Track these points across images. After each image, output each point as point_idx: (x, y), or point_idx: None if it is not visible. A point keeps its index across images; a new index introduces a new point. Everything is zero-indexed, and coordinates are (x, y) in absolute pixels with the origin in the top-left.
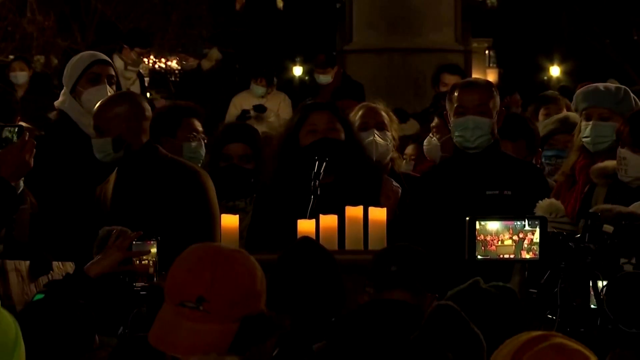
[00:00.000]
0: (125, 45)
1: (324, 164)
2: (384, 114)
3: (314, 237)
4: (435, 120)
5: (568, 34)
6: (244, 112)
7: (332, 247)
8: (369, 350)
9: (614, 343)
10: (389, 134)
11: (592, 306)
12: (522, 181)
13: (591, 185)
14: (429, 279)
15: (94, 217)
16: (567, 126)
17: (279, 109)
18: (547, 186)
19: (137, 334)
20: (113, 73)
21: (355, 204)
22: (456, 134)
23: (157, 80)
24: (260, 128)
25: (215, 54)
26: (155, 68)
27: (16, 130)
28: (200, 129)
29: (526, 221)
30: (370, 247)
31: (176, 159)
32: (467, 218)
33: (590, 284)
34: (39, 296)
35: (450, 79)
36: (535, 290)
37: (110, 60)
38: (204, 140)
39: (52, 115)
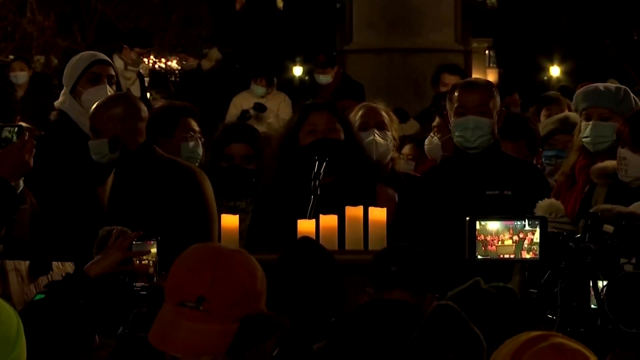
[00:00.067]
0: (125, 45)
1: (324, 164)
2: (384, 113)
3: (314, 237)
4: (437, 119)
5: (568, 34)
6: (244, 113)
7: (332, 247)
8: (369, 350)
9: (614, 343)
10: (389, 133)
11: (593, 306)
12: (523, 181)
13: (591, 185)
14: (429, 279)
15: (94, 217)
16: (567, 126)
17: (279, 109)
18: (547, 186)
19: (137, 334)
20: (113, 73)
21: (355, 204)
22: (456, 134)
23: (157, 80)
24: (260, 128)
25: (215, 54)
26: (155, 68)
27: (16, 130)
28: (197, 128)
29: (526, 221)
30: (370, 247)
31: (173, 158)
32: (467, 218)
33: (591, 284)
34: (40, 296)
35: (450, 79)
36: (536, 290)
37: (110, 60)
38: (200, 140)
39: (52, 115)
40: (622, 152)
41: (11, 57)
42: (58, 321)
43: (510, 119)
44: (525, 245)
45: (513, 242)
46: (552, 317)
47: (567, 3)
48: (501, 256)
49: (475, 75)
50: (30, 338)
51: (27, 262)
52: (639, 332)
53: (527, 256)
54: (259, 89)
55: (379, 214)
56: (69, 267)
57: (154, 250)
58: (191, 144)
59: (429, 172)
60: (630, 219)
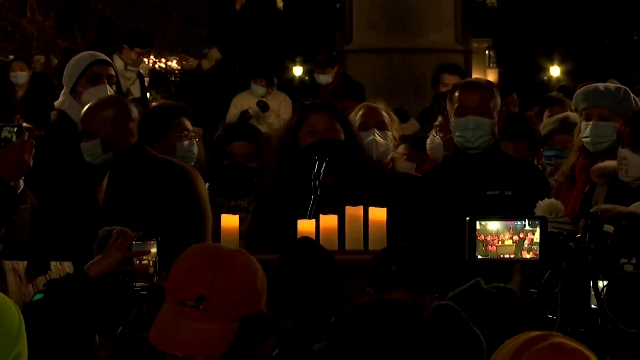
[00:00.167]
0: (125, 45)
1: (324, 164)
2: (384, 113)
3: (314, 237)
4: (439, 119)
5: (568, 34)
6: (244, 113)
7: (332, 247)
8: (369, 351)
9: (614, 343)
10: (389, 133)
11: (593, 306)
12: (523, 181)
13: (591, 185)
14: (429, 279)
15: (93, 217)
16: (567, 126)
17: (280, 109)
18: (547, 186)
19: (137, 334)
20: (113, 73)
21: (355, 204)
22: (457, 134)
23: (157, 80)
24: (261, 129)
25: (215, 54)
26: (155, 68)
27: (15, 130)
28: (190, 127)
29: (526, 221)
30: (370, 247)
31: (165, 158)
32: (468, 218)
33: (591, 284)
34: (38, 296)
35: (450, 79)
36: (536, 290)
37: (110, 60)
38: (195, 139)
39: (52, 115)
40: (623, 152)
41: (11, 57)
42: (58, 321)
43: (511, 119)
44: (526, 245)
45: (513, 242)
46: (552, 317)
47: (567, 3)
48: (501, 256)
49: (475, 75)
50: (30, 338)
51: (25, 262)
52: (639, 332)
53: (527, 256)
54: (259, 89)
55: (379, 214)
56: (68, 267)
57: (154, 250)
58: (185, 143)
59: (429, 172)
60: (630, 219)
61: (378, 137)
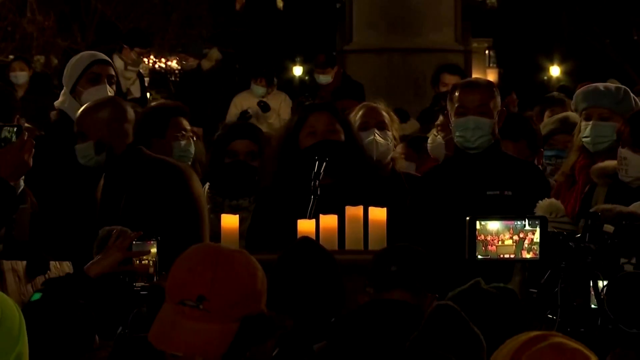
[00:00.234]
0: (125, 45)
1: (324, 164)
2: (384, 113)
3: (314, 237)
4: (440, 118)
5: (568, 34)
6: (244, 113)
7: (332, 247)
8: (369, 351)
9: (614, 343)
10: (389, 133)
11: (593, 306)
12: (523, 181)
13: (591, 185)
14: (429, 279)
15: (92, 217)
16: (567, 126)
17: (280, 109)
18: (547, 186)
19: (137, 334)
20: (113, 73)
21: (355, 205)
22: (457, 134)
23: (157, 80)
24: (262, 128)
25: (215, 54)
26: (155, 68)
27: (15, 129)
28: (188, 127)
29: (526, 221)
30: (370, 247)
31: (160, 158)
32: (467, 218)
33: (591, 284)
34: (37, 295)
35: (450, 79)
36: (536, 290)
37: (110, 60)
38: (193, 139)
39: (52, 115)
40: (623, 152)
41: (11, 57)
42: (58, 321)
43: (511, 119)
44: (526, 245)
45: (513, 242)
46: (552, 317)
47: (567, 3)
48: (501, 256)
49: (475, 75)
50: (30, 338)
51: (25, 262)
52: (639, 332)
53: (527, 256)
54: (259, 89)
55: (379, 214)
56: (67, 266)
57: (154, 250)
58: (182, 143)
59: (430, 172)
60: (630, 219)
61: (378, 137)
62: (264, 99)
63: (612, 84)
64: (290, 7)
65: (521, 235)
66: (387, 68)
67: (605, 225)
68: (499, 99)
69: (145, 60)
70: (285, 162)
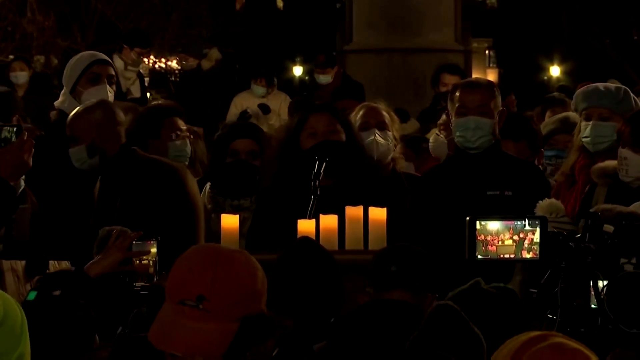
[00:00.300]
0: (125, 45)
1: (324, 164)
2: (385, 113)
3: (314, 237)
4: (442, 117)
5: (568, 34)
6: (243, 113)
7: (332, 247)
8: (369, 351)
9: (614, 343)
10: (390, 133)
11: (593, 306)
12: (523, 181)
13: (592, 185)
14: (429, 279)
15: (92, 217)
16: (567, 126)
17: (280, 109)
18: (548, 186)
19: (137, 334)
20: (113, 73)
21: (356, 205)
22: (457, 134)
23: (157, 80)
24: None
25: (215, 54)
26: (155, 68)
27: (15, 129)
28: (183, 127)
29: (526, 221)
30: (370, 247)
31: (154, 158)
32: (468, 218)
33: (591, 284)
34: (32, 294)
35: (450, 79)
36: (536, 290)
37: (110, 60)
38: (189, 138)
39: (52, 115)
40: (623, 152)
41: (11, 57)
42: (58, 321)
43: (512, 119)
44: (526, 245)
45: (513, 242)
46: (552, 317)
47: (567, 3)
48: (501, 256)
49: (475, 75)
50: (30, 338)
51: (24, 262)
52: (639, 332)
53: (527, 256)
54: (259, 89)
55: (379, 214)
56: (66, 266)
57: (154, 250)
58: (178, 143)
59: (430, 172)
60: (630, 219)
61: (378, 137)
62: (264, 99)
63: (612, 84)
64: (290, 7)
65: (521, 235)
66: (387, 68)
67: (605, 225)
68: (499, 99)
69: (145, 60)
70: (286, 163)
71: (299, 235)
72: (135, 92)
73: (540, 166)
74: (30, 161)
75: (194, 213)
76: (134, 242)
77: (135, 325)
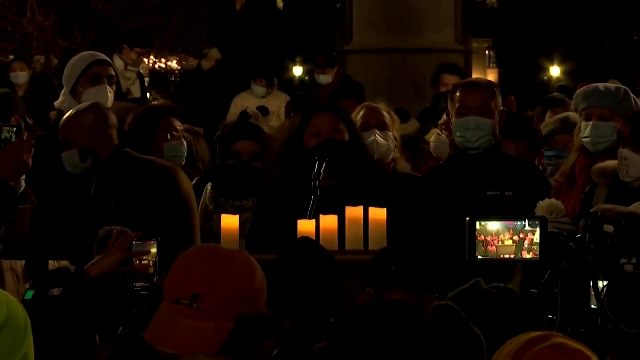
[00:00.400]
0: (125, 45)
1: (324, 164)
2: (385, 113)
3: (314, 237)
4: (444, 117)
5: (568, 34)
6: (243, 113)
7: (332, 247)
8: (369, 351)
9: (614, 343)
10: (390, 133)
11: (593, 306)
12: (523, 181)
13: (592, 185)
14: (429, 279)
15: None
16: (567, 126)
17: (280, 109)
18: (548, 186)
19: (137, 334)
20: (113, 73)
21: (356, 205)
22: (457, 134)
23: (157, 80)
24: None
25: (215, 54)
26: (155, 68)
27: (15, 129)
28: (179, 127)
29: (526, 221)
30: (370, 247)
31: (146, 158)
32: (468, 218)
33: (591, 284)
34: (29, 293)
35: (450, 79)
36: (536, 290)
37: (110, 60)
38: (185, 138)
39: (52, 115)
40: (623, 152)
41: (11, 57)
42: (58, 321)
43: (513, 119)
44: (526, 245)
45: (513, 242)
46: (552, 317)
47: (567, 3)
48: (501, 256)
49: (475, 75)
50: None
51: (23, 262)
52: (639, 332)
53: (527, 256)
54: (259, 89)
55: (379, 214)
56: (64, 264)
57: (154, 250)
58: (173, 143)
59: (430, 172)
60: (630, 219)
61: (379, 138)
62: (264, 99)
63: (612, 84)
64: (290, 7)
65: (521, 235)
66: (387, 68)
67: (605, 225)
68: (499, 99)
69: (145, 60)
70: (290, 162)
71: (299, 235)
72: (135, 92)
73: (540, 166)
74: (30, 161)
75: (188, 212)
76: (134, 242)
77: (135, 325)
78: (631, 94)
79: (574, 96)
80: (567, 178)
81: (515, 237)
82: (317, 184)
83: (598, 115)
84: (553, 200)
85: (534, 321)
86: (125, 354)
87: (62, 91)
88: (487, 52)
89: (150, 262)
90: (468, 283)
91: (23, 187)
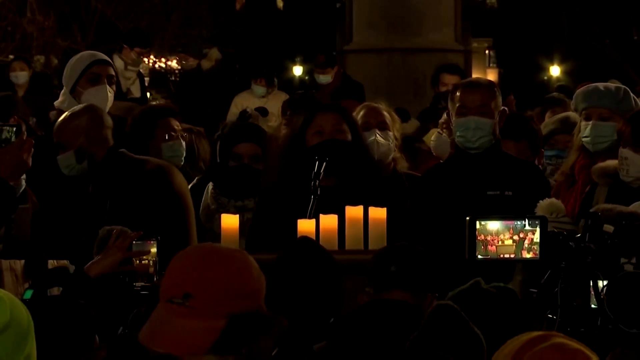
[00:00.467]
0: (125, 45)
1: (324, 163)
2: (385, 113)
3: (314, 237)
4: (444, 116)
5: (568, 34)
6: (243, 113)
7: (332, 247)
8: (369, 351)
9: (614, 343)
10: (390, 133)
11: (593, 306)
12: (523, 181)
13: (592, 185)
14: (429, 279)
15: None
16: (567, 126)
17: (280, 109)
18: (548, 186)
19: (137, 334)
20: (113, 73)
21: (357, 205)
22: (457, 134)
23: (157, 80)
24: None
25: (215, 54)
26: (155, 68)
27: (15, 129)
28: (177, 127)
29: (526, 221)
30: (370, 247)
31: (141, 158)
32: (468, 218)
33: (591, 284)
34: (28, 293)
35: (450, 79)
36: (536, 290)
37: (110, 60)
38: (183, 139)
39: (52, 115)
40: (624, 152)
41: (11, 57)
42: (58, 321)
43: (513, 119)
44: (526, 245)
45: (513, 242)
46: (552, 317)
47: (567, 3)
48: (501, 256)
49: (475, 75)
50: None
51: (23, 262)
52: (639, 332)
53: (527, 256)
54: (259, 89)
55: (379, 214)
56: (63, 264)
57: (154, 250)
58: (171, 144)
59: (430, 172)
60: (630, 219)
61: (379, 138)
62: (264, 99)
63: (612, 84)
64: (290, 7)
65: (521, 235)
66: (387, 68)
67: (605, 225)
68: (499, 99)
69: (145, 60)
70: (292, 161)
71: (299, 235)
72: (135, 92)
73: (540, 166)
74: (30, 161)
75: (183, 209)
76: (134, 242)
77: (135, 325)
78: (631, 94)
79: (574, 96)
80: (567, 178)
81: (516, 237)
82: (317, 183)
83: (598, 115)
84: (553, 200)
85: (534, 321)
86: (125, 354)
87: (62, 91)
88: (487, 52)
89: (150, 262)
90: (468, 283)
91: (23, 187)
